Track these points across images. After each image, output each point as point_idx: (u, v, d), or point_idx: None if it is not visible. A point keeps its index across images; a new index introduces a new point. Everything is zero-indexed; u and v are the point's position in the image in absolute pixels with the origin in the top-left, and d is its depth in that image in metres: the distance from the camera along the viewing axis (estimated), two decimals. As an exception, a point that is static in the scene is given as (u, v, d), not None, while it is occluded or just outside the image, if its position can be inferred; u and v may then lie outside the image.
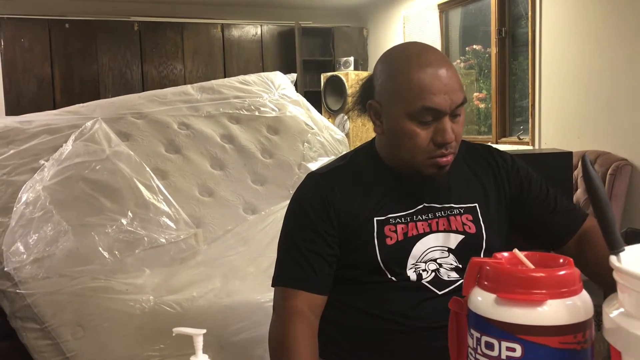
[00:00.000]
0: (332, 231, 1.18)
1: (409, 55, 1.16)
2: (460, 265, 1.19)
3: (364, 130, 6.03)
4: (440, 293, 1.16)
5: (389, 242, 1.17)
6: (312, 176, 1.26)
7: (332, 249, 1.19)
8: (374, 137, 1.30)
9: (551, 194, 1.30)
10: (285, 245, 1.22)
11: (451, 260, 1.19)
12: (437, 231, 1.19)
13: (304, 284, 1.16)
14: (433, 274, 1.17)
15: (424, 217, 1.20)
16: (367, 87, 1.24)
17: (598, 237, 1.22)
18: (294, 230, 1.21)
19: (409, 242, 1.18)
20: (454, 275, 1.18)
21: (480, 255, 1.20)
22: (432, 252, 1.18)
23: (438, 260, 1.18)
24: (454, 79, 1.13)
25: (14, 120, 2.47)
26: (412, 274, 1.17)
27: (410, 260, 1.17)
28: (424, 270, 1.17)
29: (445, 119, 1.13)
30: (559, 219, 1.28)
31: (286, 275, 1.19)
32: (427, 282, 1.17)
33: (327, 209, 1.18)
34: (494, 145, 1.43)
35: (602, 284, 1.07)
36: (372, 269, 1.17)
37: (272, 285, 1.21)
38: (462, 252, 1.19)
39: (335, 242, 1.19)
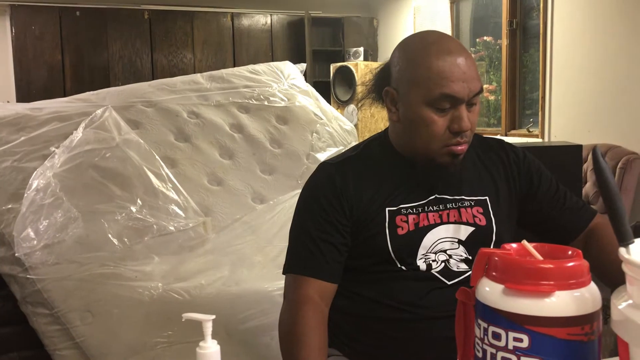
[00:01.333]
0: (345, 220, 1.19)
1: (428, 43, 1.16)
2: (470, 257, 1.19)
3: (373, 122, 6.02)
4: (449, 283, 1.16)
5: (400, 232, 1.17)
6: (324, 166, 1.26)
7: (344, 237, 1.19)
8: (387, 128, 1.30)
9: (561, 190, 1.30)
10: (297, 234, 1.23)
11: (461, 251, 1.19)
12: (448, 222, 1.20)
13: (315, 272, 1.17)
14: (443, 264, 1.18)
15: (435, 208, 1.20)
16: (383, 75, 1.24)
17: (605, 235, 1.22)
18: (306, 219, 1.22)
19: (420, 232, 1.18)
20: (463, 266, 1.18)
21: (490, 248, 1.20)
22: (442, 243, 1.19)
23: (448, 251, 1.19)
24: (472, 68, 1.14)
25: (24, 107, 2.48)
26: (422, 264, 1.17)
27: (421, 251, 1.17)
28: (433, 261, 1.18)
29: (462, 107, 1.13)
30: (567, 215, 1.29)
31: (298, 263, 1.20)
32: (436, 272, 1.17)
33: (339, 199, 1.19)
34: (503, 138, 1.43)
35: (608, 281, 1.07)
36: (383, 259, 1.18)
37: (284, 273, 1.21)
38: (472, 244, 1.19)
39: (347, 232, 1.19)
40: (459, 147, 1.16)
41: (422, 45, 1.17)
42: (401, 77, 1.18)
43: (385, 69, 1.24)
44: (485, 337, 0.71)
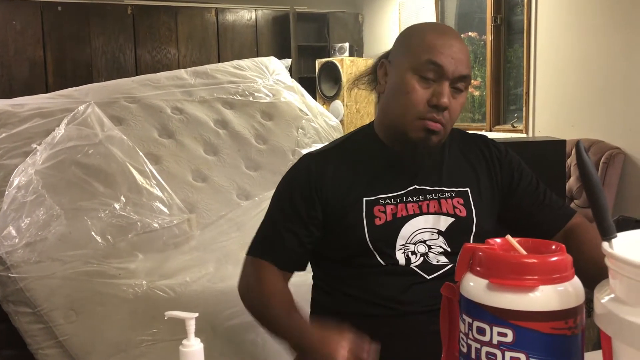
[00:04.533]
0: (314, 213, 1.21)
1: (428, 25, 1.28)
2: (450, 249, 1.19)
3: (359, 117, 6.02)
4: (429, 278, 1.17)
5: (377, 222, 1.18)
6: (305, 157, 1.29)
7: (308, 230, 1.22)
8: (373, 120, 1.32)
9: (541, 187, 1.32)
10: (265, 219, 1.28)
11: (440, 242, 1.20)
12: (428, 213, 1.20)
13: (271, 257, 1.22)
14: (422, 258, 1.18)
15: (414, 198, 1.21)
16: (383, 55, 1.30)
17: (583, 234, 1.22)
18: (275, 206, 1.27)
19: (398, 222, 1.19)
20: (443, 259, 1.19)
21: (469, 239, 1.21)
22: (421, 234, 1.19)
23: (427, 242, 1.19)
24: (463, 53, 1.18)
25: (5, 104, 2.45)
26: (400, 256, 1.17)
27: (399, 241, 1.18)
28: (413, 253, 1.18)
29: (445, 83, 1.15)
30: (546, 212, 1.29)
31: (257, 246, 1.25)
32: (415, 266, 1.17)
33: (313, 191, 1.21)
34: (488, 133, 1.45)
35: (585, 281, 1.08)
36: (360, 250, 1.18)
37: (246, 255, 1.27)
38: (451, 235, 1.20)
39: (314, 224, 1.21)
40: (433, 123, 1.16)
41: (421, 26, 1.25)
42: (396, 50, 1.23)
43: (387, 52, 1.29)
44: (470, 332, 0.71)
